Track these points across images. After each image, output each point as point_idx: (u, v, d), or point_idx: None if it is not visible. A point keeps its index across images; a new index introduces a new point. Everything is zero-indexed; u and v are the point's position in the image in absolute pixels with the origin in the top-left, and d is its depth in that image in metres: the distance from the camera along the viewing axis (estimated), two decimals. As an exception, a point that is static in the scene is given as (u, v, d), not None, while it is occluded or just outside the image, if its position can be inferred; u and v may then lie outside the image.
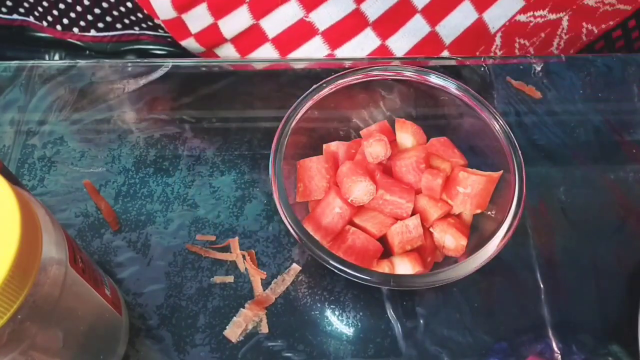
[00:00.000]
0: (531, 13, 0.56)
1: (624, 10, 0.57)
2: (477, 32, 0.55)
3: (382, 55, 0.54)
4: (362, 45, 0.55)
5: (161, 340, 0.39)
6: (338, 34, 0.54)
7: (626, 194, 0.46)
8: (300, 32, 0.54)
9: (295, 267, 0.41)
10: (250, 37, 0.55)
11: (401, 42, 0.55)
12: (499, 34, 0.56)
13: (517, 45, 0.58)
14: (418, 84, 0.42)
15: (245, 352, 0.38)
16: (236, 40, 0.55)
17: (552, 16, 0.56)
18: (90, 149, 0.46)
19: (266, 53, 0.55)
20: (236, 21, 0.54)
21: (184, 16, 0.54)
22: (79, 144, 0.47)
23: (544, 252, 0.43)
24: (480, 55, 0.56)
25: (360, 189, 0.38)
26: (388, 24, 0.55)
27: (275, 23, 0.54)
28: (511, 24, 0.56)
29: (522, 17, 0.56)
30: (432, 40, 0.55)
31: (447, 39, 0.55)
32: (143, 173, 0.45)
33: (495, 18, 0.55)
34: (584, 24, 0.58)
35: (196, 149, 0.47)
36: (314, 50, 0.54)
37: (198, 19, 0.54)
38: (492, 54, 0.57)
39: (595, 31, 0.58)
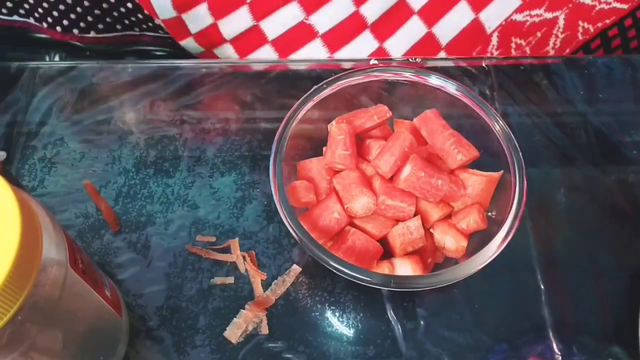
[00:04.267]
0: (527, 12, 0.56)
1: (620, 8, 0.57)
2: (474, 33, 0.56)
3: (379, 57, 0.55)
4: (361, 47, 0.55)
5: (161, 342, 0.38)
6: (337, 36, 0.54)
7: (626, 195, 0.45)
8: (300, 34, 0.54)
9: (296, 268, 0.41)
10: (250, 38, 0.55)
11: (398, 44, 0.55)
12: (495, 34, 0.56)
13: (513, 45, 0.58)
14: (418, 84, 0.42)
15: (245, 354, 0.38)
16: (235, 41, 0.55)
17: (549, 15, 0.56)
18: (91, 150, 0.46)
19: (265, 54, 0.55)
20: (236, 22, 0.54)
21: (184, 16, 0.54)
22: (80, 145, 0.47)
23: (545, 253, 0.43)
24: (477, 55, 0.56)
25: (360, 203, 0.38)
26: (385, 25, 0.55)
27: (275, 25, 0.54)
28: (507, 24, 0.56)
29: (518, 17, 0.56)
30: (428, 41, 0.55)
31: (444, 40, 0.55)
32: (143, 174, 0.45)
33: (491, 18, 0.55)
34: (580, 22, 0.58)
35: (196, 150, 0.47)
36: (313, 53, 0.54)
37: (198, 19, 0.54)
38: (488, 54, 0.57)
39: (592, 30, 0.58)
